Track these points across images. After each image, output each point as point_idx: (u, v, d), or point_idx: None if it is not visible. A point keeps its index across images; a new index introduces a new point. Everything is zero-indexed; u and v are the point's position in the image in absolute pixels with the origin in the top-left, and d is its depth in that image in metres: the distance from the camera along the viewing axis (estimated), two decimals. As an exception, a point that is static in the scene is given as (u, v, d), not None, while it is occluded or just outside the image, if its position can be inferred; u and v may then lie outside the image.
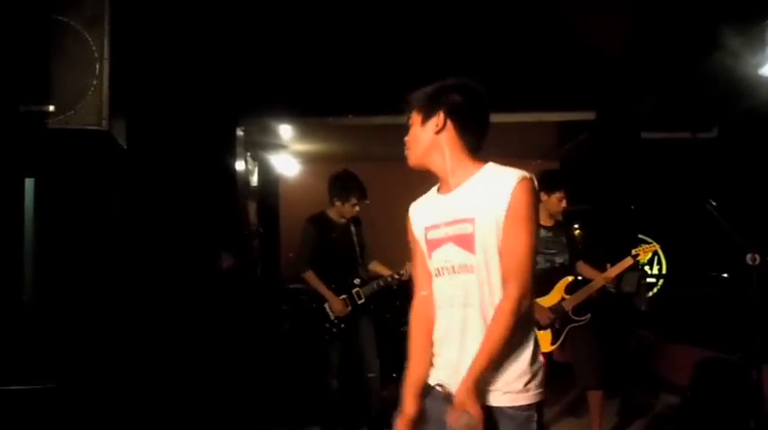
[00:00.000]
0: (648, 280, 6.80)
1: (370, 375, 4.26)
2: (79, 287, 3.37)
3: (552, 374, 3.99)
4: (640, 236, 6.18)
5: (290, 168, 7.99)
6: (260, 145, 7.11)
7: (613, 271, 3.93)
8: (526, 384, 1.76)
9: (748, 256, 3.36)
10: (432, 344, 1.95)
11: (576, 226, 5.34)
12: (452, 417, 1.67)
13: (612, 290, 4.15)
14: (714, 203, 3.53)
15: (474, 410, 1.64)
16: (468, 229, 1.79)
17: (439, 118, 1.87)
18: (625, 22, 4.79)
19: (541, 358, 1.85)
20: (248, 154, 6.68)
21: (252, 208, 6.80)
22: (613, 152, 5.85)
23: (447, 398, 1.78)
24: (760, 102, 4.86)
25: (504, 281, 1.76)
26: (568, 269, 3.99)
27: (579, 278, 4.06)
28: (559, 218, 4.04)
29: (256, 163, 7.28)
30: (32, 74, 2.46)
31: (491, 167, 1.85)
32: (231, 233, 5.47)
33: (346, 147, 7.98)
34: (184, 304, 4.40)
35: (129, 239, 3.91)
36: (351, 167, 4.40)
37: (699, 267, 6.23)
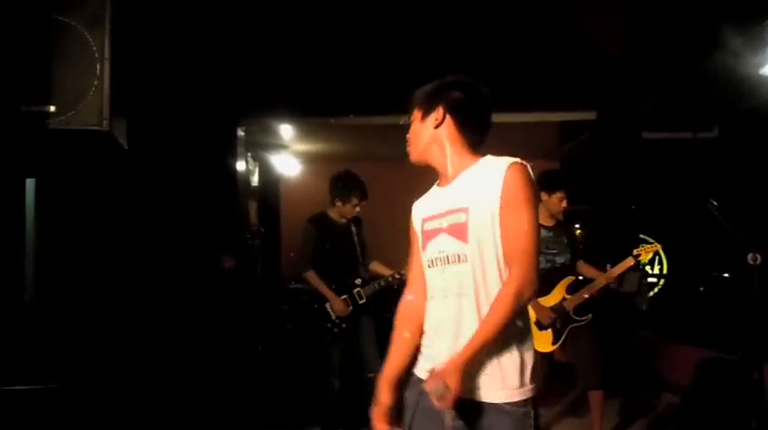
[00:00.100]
0: (649, 280, 6.80)
1: (371, 375, 4.26)
2: (80, 287, 3.37)
3: (553, 374, 4.04)
4: (641, 235, 6.19)
5: (291, 168, 8.00)
6: (261, 145, 7.11)
7: (615, 271, 3.93)
8: (523, 379, 1.74)
9: (749, 256, 3.35)
10: (413, 339, 1.95)
11: (577, 226, 5.35)
12: (429, 381, 1.63)
13: (615, 286, 4.14)
14: (715, 203, 3.53)
15: (452, 383, 1.59)
16: (462, 219, 1.78)
17: (438, 113, 1.89)
18: (626, 22, 4.79)
19: (535, 352, 1.84)
20: (249, 154, 6.68)
21: (252, 208, 6.80)
22: (614, 152, 5.86)
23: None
24: (761, 102, 4.86)
25: (507, 267, 1.74)
26: (569, 269, 3.99)
27: (580, 278, 4.06)
28: (560, 217, 4.04)
29: (257, 163, 7.28)
30: (33, 74, 2.46)
31: (486, 159, 1.86)
32: (232, 233, 5.47)
33: (347, 147, 7.98)
34: (185, 304, 4.40)
35: (130, 239, 3.91)
36: (351, 167, 4.40)
37: (700, 267, 6.23)
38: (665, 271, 6.97)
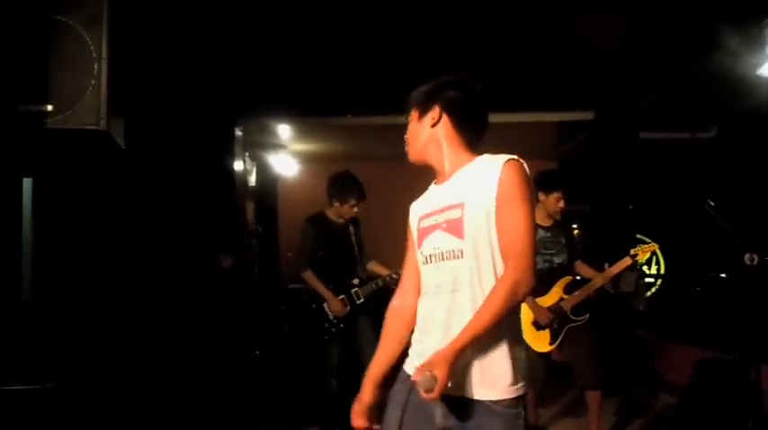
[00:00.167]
0: (647, 280, 6.80)
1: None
2: (78, 287, 3.37)
3: (551, 374, 4.04)
4: (639, 235, 6.19)
5: (289, 168, 7.99)
6: (258, 145, 7.11)
7: (612, 271, 3.93)
8: (513, 378, 1.74)
9: (747, 256, 3.36)
10: (401, 340, 1.96)
11: (575, 226, 5.35)
12: (417, 373, 1.61)
13: (611, 290, 4.15)
14: (712, 203, 3.54)
15: (440, 374, 1.57)
16: (458, 214, 1.78)
17: (435, 112, 1.90)
18: (624, 22, 4.79)
19: (526, 351, 1.84)
20: (247, 154, 6.68)
21: (250, 208, 6.80)
22: (612, 152, 5.86)
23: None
24: (758, 102, 4.87)
25: (504, 263, 1.74)
26: (567, 269, 3.99)
27: (578, 278, 4.06)
28: (558, 218, 4.05)
29: (255, 163, 7.28)
30: (31, 74, 2.46)
31: (483, 157, 1.86)
32: (229, 233, 5.46)
33: (345, 147, 7.98)
34: (183, 304, 4.40)
35: (127, 239, 3.91)
36: (349, 167, 4.40)
37: (697, 267, 6.23)
38: (662, 271, 6.97)
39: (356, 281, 4.32)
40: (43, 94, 2.45)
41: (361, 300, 4.28)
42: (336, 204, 4.29)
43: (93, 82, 2.47)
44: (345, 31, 4.97)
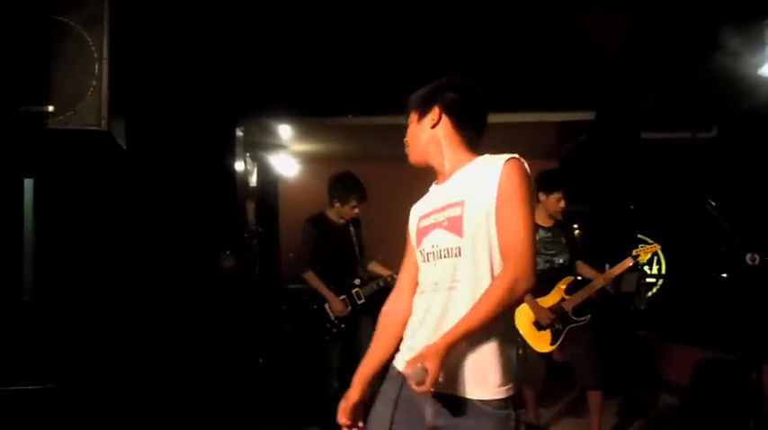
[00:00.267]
0: (648, 280, 6.81)
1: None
2: (79, 287, 3.37)
3: (552, 375, 4.04)
4: (640, 236, 6.19)
5: (290, 168, 7.99)
6: (259, 145, 7.11)
7: (614, 271, 3.92)
8: (505, 378, 1.74)
9: (748, 256, 3.35)
10: (394, 341, 1.96)
11: (576, 226, 5.35)
12: (408, 365, 1.60)
13: (611, 290, 4.15)
14: (713, 203, 3.53)
15: (431, 367, 1.56)
16: (457, 212, 1.78)
17: (434, 113, 1.90)
18: (625, 22, 4.79)
19: (519, 351, 1.84)
20: (247, 154, 6.68)
21: (251, 208, 6.80)
22: (613, 152, 5.86)
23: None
24: (759, 102, 4.87)
25: (504, 262, 1.73)
26: (568, 269, 3.99)
27: (579, 278, 4.06)
28: (559, 218, 4.04)
29: (256, 163, 7.28)
30: (32, 74, 2.45)
31: (484, 157, 1.87)
32: (230, 233, 5.47)
33: (346, 148, 7.98)
34: (184, 304, 4.40)
35: (129, 240, 3.91)
36: (350, 167, 4.40)
37: (698, 267, 6.23)
38: (663, 271, 6.97)
39: (357, 281, 4.32)
40: (44, 95, 2.45)
41: (362, 300, 4.28)
42: (337, 205, 4.29)
43: (93, 82, 2.47)
44: (346, 31, 4.98)
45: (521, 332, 3.82)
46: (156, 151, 4.19)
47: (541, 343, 3.86)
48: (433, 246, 1.84)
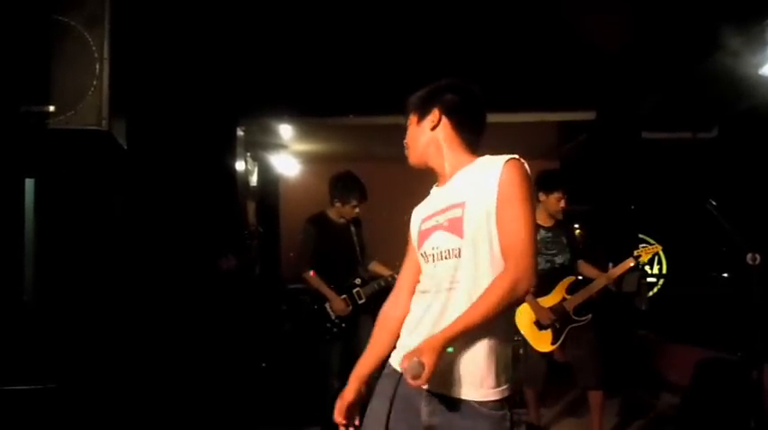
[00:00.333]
0: (649, 279, 6.80)
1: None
2: (79, 287, 3.37)
3: (553, 374, 4.04)
4: (641, 235, 6.19)
5: (291, 168, 7.99)
6: (260, 145, 7.11)
7: (615, 271, 3.92)
8: (500, 379, 1.74)
9: (748, 256, 3.35)
10: (391, 342, 1.97)
11: (577, 226, 5.35)
12: (405, 359, 1.60)
13: (613, 289, 4.14)
14: (714, 203, 3.53)
15: (428, 360, 1.56)
16: (458, 214, 1.78)
17: (434, 115, 1.91)
18: (626, 22, 4.79)
19: (515, 353, 1.84)
20: (248, 154, 6.68)
21: (251, 208, 6.80)
22: (614, 152, 5.86)
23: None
24: (760, 101, 4.86)
25: (504, 261, 1.73)
26: (569, 269, 3.99)
27: (580, 278, 4.06)
28: (559, 217, 4.04)
29: (256, 163, 7.28)
30: (33, 74, 2.46)
31: (484, 158, 1.87)
32: (231, 233, 5.47)
33: (346, 147, 7.98)
34: (185, 304, 4.40)
35: (129, 239, 3.91)
36: (351, 167, 4.40)
37: (699, 267, 6.23)
38: (664, 271, 6.97)
39: (358, 281, 4.32)
40: (45, 95, 2.45)
41: (363, 299, 4.28)
42: (338, 204, 4.29)
43: (94, 82, 2.47)
44: (347, 31, 4.97)
45: (522, 331, 3.83)
46: (156, 151, 4.19)
47: (542, 342, 3.86)
48: (433, 248, 1.84)
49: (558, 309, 3.87)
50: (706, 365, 4.35)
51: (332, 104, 5.48)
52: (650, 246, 4.00)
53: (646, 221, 6.33)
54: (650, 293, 6.73)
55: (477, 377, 1.72)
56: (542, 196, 3.94)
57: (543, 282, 3.79)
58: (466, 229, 1.76)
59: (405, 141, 2.00)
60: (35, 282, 2.87)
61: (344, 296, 4.25)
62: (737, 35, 3.97)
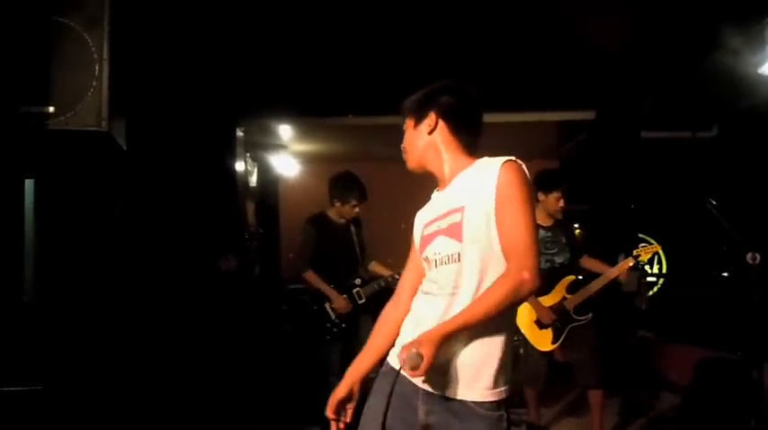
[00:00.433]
0: (649, 279, 6.80)
1: (371, 375, 4.25)
2: (79, 288, 3.37)
3: (553, 374, 4.04)
4: (640, 235, 6.19)
5: (290, 168, 7.99)
6: (260, 145, 7.12)
7: (614, 271, 3.93)
8: (497, 380, 1.74)
9: (748, 255, 3.35)
10: (388, 344, 1.98)
11: (576, 225, 5.35)
12: (403, 350, 1.60)
13: (623, 281, 4.12)
14: (714, 202, 3.53)
15: (426, 352, 1.55)
16: (458, 218, 1.78)
17: (431, 118, 1.90)
18: (625, 21, 4.79)
19: (513, 354, 1.84)
20: (248, 154, 6.68)
21: (251, 208, 6.80)
22: (613, 151, 5.86)
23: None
24: (759, 101, 4.87)
25: (506, 261, 1.73)
26: (569, 269, 3.99)
27: (580, 277, 4.06)
28: (559, 217, 4.04)
29: (256, 163, 7.29)
30: (32, 75, 2.46)
31: (482, 160, 1.86)
32: (230, 234, 5.47)
33: (346, 148, 7.98)
34: (184, 305, 4.40)
35: (129, 240, 3.91)
36: (351, 168, 4.40)
37: (699, 266, 6.23)
38: (664, 270, 6.97)
39: (358, 281, 4.32)
40: (44, 96, 2.45)
41: (363, 300, 4.28)
42: (338, 204, 4.29)
43: (94, 83, 2.47)
44: (346, 31, 4.97)
45: (522, 331, 3.83)
46: (156, 152, 4.19)
47: (543, 342, 3.86)
48: (435, 253, 1.84)
49: (558, 309, 3.87)
50: (706, 365, 4.35)
51: (331, 105, 5.49)
52: (650, 246, 4.00)
53: (645, 221, 6.33)
54: (650, 293, 6.73)
55: (474, 377, 1.72)
56: (541, 196, 3.94)
57: (543, 282, 3.75)
58: (465, 233, 1.75)
59: (402, 146, 2.00)
60: (35, 282, 2.87)
61: (344, 296, 4.25)
62: (737, 34, 3.97)
